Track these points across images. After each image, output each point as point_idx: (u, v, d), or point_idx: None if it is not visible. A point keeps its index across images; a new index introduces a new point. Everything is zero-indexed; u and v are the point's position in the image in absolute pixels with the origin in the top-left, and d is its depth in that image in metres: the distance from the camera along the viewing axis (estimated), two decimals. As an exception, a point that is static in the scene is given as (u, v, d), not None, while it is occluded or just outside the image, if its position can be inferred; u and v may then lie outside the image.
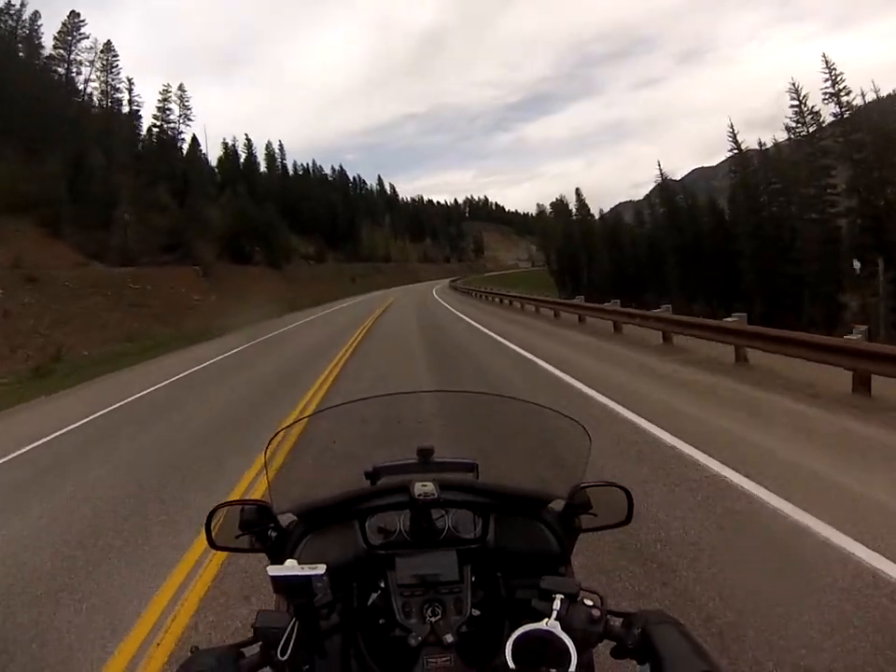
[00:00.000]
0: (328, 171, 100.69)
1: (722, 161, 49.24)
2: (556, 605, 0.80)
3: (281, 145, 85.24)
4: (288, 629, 0.81)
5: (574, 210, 73.22)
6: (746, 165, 40.57)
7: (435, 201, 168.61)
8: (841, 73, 32.88)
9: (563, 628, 0.78)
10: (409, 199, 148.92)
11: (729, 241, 43.34)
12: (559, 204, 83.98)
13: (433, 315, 22.26)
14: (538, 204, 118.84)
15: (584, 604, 0.82)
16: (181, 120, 52.72)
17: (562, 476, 1.25)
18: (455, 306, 25.09)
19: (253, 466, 4.80)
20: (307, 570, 0.83)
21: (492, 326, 15.23)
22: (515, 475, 1.36)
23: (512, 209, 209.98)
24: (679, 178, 51.38)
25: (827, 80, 33.34)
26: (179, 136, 52.53)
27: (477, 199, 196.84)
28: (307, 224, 75.86)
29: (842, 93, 32.88)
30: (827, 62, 33.18)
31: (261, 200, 58.52)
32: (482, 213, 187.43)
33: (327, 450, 1.57)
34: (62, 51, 43.88)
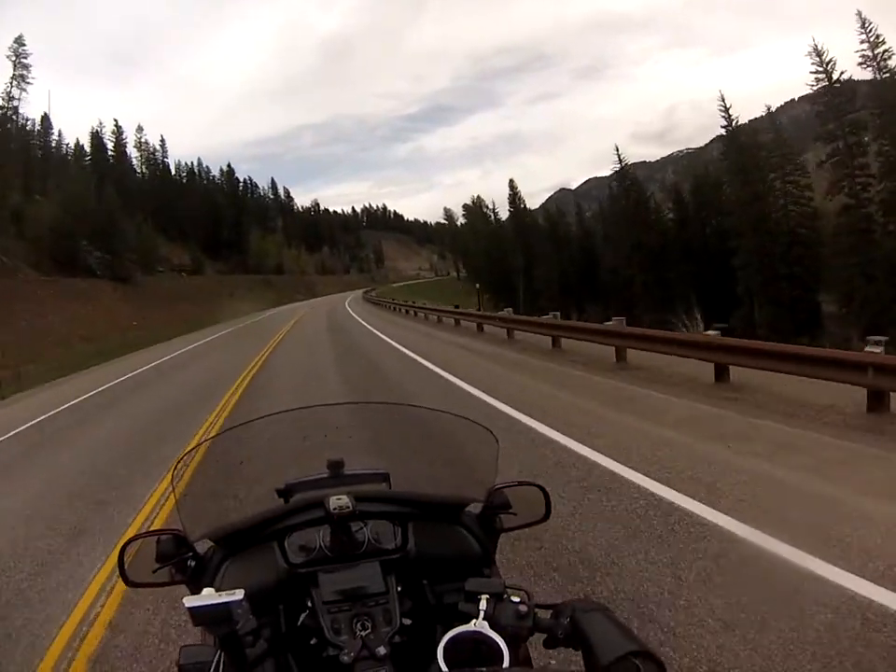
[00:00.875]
0: (216, 173, 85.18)
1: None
2: (483, 605, 0.82)
3: (163, 140, 69.83)
4: (214, 662, 0.79)
5: (505, 206, 64.50)
6: (742, 148, 34.37)
7: (332, 210, 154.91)
8: (881, 34, 27.28)
9: (491, 626, 0.79)
10: (304, 206, 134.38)
11: (695, 239, 37.24)
12: (474, 207, 75.75)
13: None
14: (445, 209, 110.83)
15: (511, 601, 0.83)
16: (15, 83, 43.55)
17: (476, 479, 1.21)
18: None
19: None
20: (224, 597, 0.80)
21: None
22: (429, 482, 1.31)
23: (411, 218, 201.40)
24: (574, 188, 46.21)
25: (863, 42, 27.86)
26: (10, 102, 43.41)
27: (375, 207, 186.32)
28: (186, 229, 60.86)
29: (885, 56, 27.23)
30: (864, 21, 27.68)
31: (126, 196, 44.33)
32: (380, 222, 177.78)
33: (235, 471, 1.42)
34: None
